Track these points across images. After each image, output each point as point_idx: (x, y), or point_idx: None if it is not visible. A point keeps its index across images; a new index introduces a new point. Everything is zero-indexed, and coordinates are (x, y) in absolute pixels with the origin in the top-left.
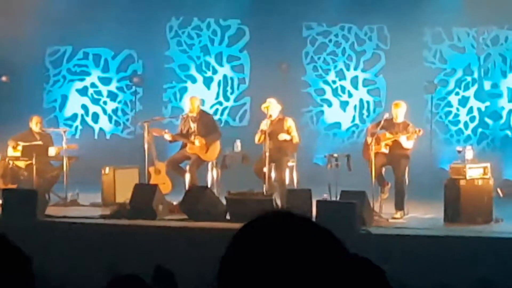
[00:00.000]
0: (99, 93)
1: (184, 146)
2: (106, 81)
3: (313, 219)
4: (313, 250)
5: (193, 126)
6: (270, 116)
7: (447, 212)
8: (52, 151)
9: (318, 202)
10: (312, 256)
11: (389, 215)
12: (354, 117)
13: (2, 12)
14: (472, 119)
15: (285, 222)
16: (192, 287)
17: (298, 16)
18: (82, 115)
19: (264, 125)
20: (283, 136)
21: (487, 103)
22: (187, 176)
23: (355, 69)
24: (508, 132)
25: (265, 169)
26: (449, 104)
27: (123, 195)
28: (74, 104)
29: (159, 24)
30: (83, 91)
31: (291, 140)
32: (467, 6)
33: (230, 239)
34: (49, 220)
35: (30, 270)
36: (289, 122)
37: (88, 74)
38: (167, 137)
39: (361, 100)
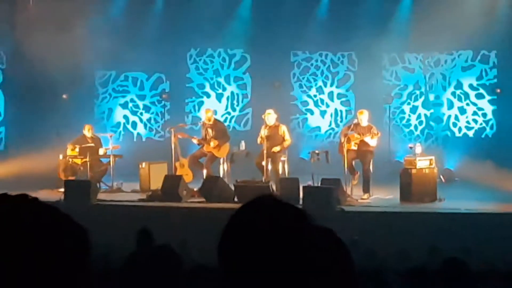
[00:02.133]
0: (136, 106)
1: (202, 146)
2: (141, 97)
3: (301, 201)
4: (287, 220)
5: (210, 131)
6: (269, 124)
7: (402, 193)
8: (101, 151)
9: (304, 187)
10: (286, 225)
11: (358, 197)
12: (330, 122)
13: (64, 46)
14: (420, 123)
15: (268, 204)
16: (207, 253)
17: (287, 46)
18: (124, 123)
19: (263, 130)
20: (276, 149)
21: (432, 111)
22: (204, 169)
23: (331, 86)
24: (448, 132)
25: (264, 163)
26: (402, 112)
27: (156, 184)
28: (118, 115)
29: (181, 53)
30: (124, 105)
31: (283, 144)
32: (415, 37)
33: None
34: (100, 203)
35: (87, 241)
36: (283, 128)
37: (128, 92)
38: (195, 141)
39: (335, 110)
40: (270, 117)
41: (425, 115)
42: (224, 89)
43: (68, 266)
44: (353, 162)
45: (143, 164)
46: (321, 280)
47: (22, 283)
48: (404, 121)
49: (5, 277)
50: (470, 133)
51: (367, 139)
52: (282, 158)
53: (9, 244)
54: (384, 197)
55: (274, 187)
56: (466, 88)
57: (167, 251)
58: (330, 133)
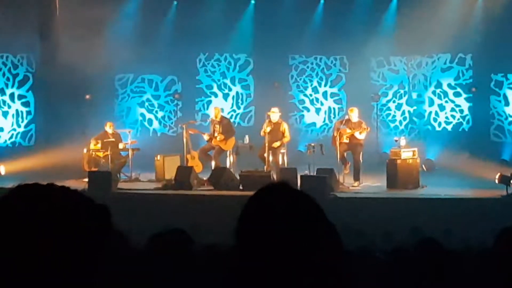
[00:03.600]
0: (152, 105)
1: (210, 140)
2: (156, 97)
3: (298, 188)
4: (298, 205)
5: (217, 127)
6: (273, 120)
7: (389, 181)
8: (121, 145)
9: (301, 176)
10: (298, 208)
11: (350, 184)
12: (324, 119)
13: (87, 51)
14: (404, 118)
15: (281, 189)
16: (216, 235)
17: (286, 51)
18: (141, 121)
19: (266, 125)
20: (277, 144)
21: (415, 107)
22: (213, 161)
23: (325, 86)
24: (429, 127)
25: (266, 155)
26: (388, 109)
27: (170, 174)
28: (135, 113)
29: (192, 58)
30: (141, 104)
31: (283, 140)
32: (400, 42)
33: (244, 203)
34: (120, 192)
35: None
36: (285, 125)
37: (145, 92)
38: (205, 137)
39: (329, 107)
40: (275, 114)
41: (409, 111)
42: (230, 89)
43: (93, 238)
44: (345, 154)
45: (158, 156)
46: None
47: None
48: (390, 117)
49: (37, 251)
50: (449, 127)
51: (356, 134)
52: (282, 151)
53: (41, 222)
54: (372, 184)
55: (274, 176)
56: (445, 87)
57: (180, 233)
58: (324, 128)
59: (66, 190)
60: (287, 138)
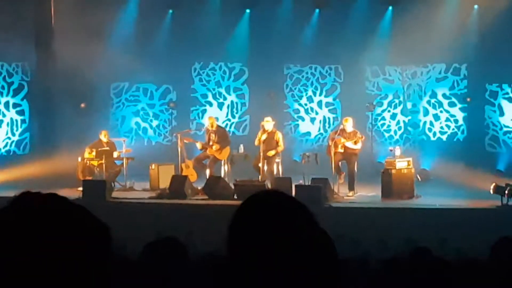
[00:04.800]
0: (147, 114)
1: (205, 149)
2: (151, 106)
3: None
4: (290, 212)
5: (212, 136)
6: (267, 130)
7: (383, 191)
8: (115, 154)
9: (296, 186)
10: (290, 215)
11: (344, 194)
12: (319, 128)
13: (82, 60)
14: (399, 128)
15: (273, 197)
16: (210, 245)
17: (281, 60)
18: (135, 129)
19: (261, 134)
20: (271, 153)
21: (409, 117)
22: (207, 170)
23: (320, 95)
24: (424, 136)
25: (260, 164)
26: (383, 118)
27: (164, 183)
28: (130, 122)
29: (187, 66)
30: (136, 113)
31: (277, 149)
32: (395, 51)
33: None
34: (114, 200)
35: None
36: (279, 135)
37: (140, 101)
38: (198, 146)
39: (324, 117)
40: (269, 123)
41: (404, 121)
42: (225, 98)
43: (92, 258)
44: (340, 163)
45: (153, 165)
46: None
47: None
48: (385, 127)
49: (34, 266)
50: (444, 137)
51: (350, 144)
52: (277, 160)
53: (41, 235)
54: (367, 194)
55: (269, 186)
56: (440, 97)
57: (174, 242)
58: (319, 138)
59: (69, 204)
60: (281, 147)
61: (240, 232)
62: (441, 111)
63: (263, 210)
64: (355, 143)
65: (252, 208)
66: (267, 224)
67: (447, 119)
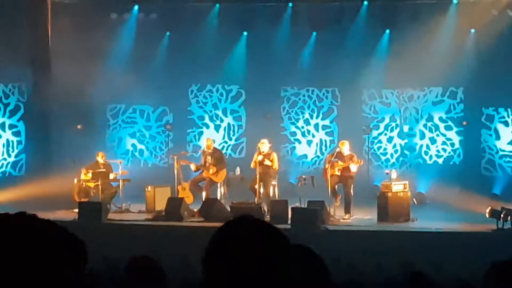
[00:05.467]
0: (143, 136)
1: (201, 171)
2: (148, 128)
3: (289, 220)
4: (262, 237)
5: (209, 158)
6: (263, 152)
7: (379, 214)
8: (111, 176)
9: (292, 208)
10: (261, 240)
11: (340, 217)
12: (316, 150)
13: (79, 82)
14: (396, 151)
15: (246, 223)
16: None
17: (278, 82)
18: (132, 151)
19: (257, 157)
20: (266, 162)
21: (406, 140)
22: (204, 192)
23: (317, 118)
24: (420, 160)
25: (257, 186)
26: (380, 141)
27: (160, 205)
28: (127, 143)
29: (183, 88)
30: (132, 135)
31: (272, 167)
32: (391, 75)
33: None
34: (110, 222)
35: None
36: (274, 155)
37: (136, 123)
38: (192, 167)
39: (320, 140)
40: (264, 145)
41: (400, 144)
42: (222, 120)
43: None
44: (336, 186)
45: (149, 187)
46: None
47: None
48: (381, 150)
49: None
50: (440, 161)
51: (351, 165)
52: (273, 182)
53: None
54: (363, 217)
55: (265, 208)
56: (436, 120)
57: (149, 262)
58: (316, 160)
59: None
60: (274, 165)
61: (215, 260)
62: (437, 135)
63: (236, 236)
64: (355, 164)
65: (225, 234)
66: (240, 250)
67: (444, 143)
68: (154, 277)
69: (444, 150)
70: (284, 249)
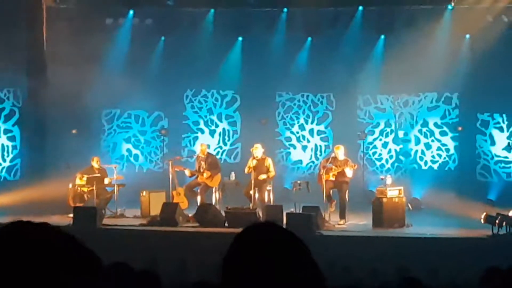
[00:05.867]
0: (138, 141)
1: (196, 176)
2: (143, 133)
3: (284, 226)
4: (283, 244)
5: (203, 163)
6: (256, 156)
7: (374, 220)
8: (106, 181)
9: (287, 214)
10: (283, 247)
11: (335, 222)
12: (311, 156)
13: (74, 87)
14: (391, 157)
15: (267, 229)
16: (202, 272)
17: (273, 87)
18: (127, 156)
19: (251, 162)
20: (262, 177)
21: (401, 146)
22: (199, 197)
23: (312, 123)
24: (415, 165)
25: (251, 192)
26: (375, 147)
27: (155, 210)
28: (122, 148)
29: (179, 94)
30: (128, 140)
31: (268, 175)
32: (387, 80)
33: (229, 241)
34: (105, 227)
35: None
36: (269, 161)
37: (131, 128)
38: (187, 173)
39: (315, 145)
40: (258, 150)
41: (395, 150)
42: (217, 125)
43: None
44: (331, 192)
45: (144, 192)
46: None
47: None
48: (376, 155)
49: None
50: (435, 166)
51: (346, 169)
52: (268, 188)
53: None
54: (358, 222)
55: (260, 214)
56: (431, 126)
57: (124, 268)
58: (311, 166)
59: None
60: (272, 173)
61: (235, 263)
62: (432, 140)
63: (257, 242)
64: (350, 169)
65: (247, 240)
66: (262, 257)
67: (439, 148)
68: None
69: (439, 155)
70: (304, 258)
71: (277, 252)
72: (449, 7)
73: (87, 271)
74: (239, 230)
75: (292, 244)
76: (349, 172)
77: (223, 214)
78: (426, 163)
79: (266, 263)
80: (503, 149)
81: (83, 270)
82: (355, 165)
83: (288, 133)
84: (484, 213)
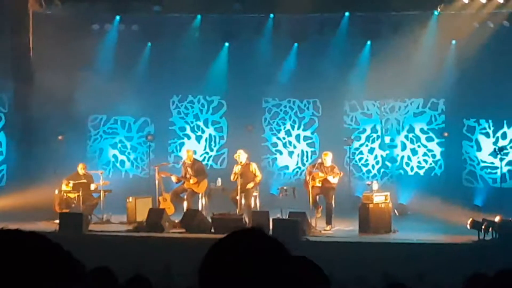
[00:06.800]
0: (124, 146)
1: (182, 182)
2: (129, 139)
3: (270, 232)
4: (267, 251)
5: (189, 169)
6: (241, 162)
7: (361, 225)
8: (92, 187)
9: (273, 220)
10: (266, 255)
11: (322, 228)
12: (297, 162)
13: (60, 92)
14: (377, 162)
15: (249, 235)
16: (188, 279)
17: (259, 93)
18: (113, 162)
19: (236, 168)
20: (250, 185)
21: (387, 152)
22: (185, 203)
23: (298, 129)
24: (401, 171)
25: (238, 198)
26: (361, 153)
27: (142, 216)
28: (108, 154)
29: (165, 99)
30: (114, 146)
31: (255, 180)
32: (373, 86)
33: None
34: (91, 233)
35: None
36: (254, 166)
37: (117, 134)
38: (173, 179)
39: (302, 151)
40: (241, 156)
41: (381, 155)
42: (203, 131)
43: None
44: (317, 197)
45: (130, 198)
46: None
47: None
48: (362, 161)
49: None
50: (421, 172)
51: (330, 178)
52: (254, 193)
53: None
54: (344, 228)
55: (246, 219)
56: (417, 132)
57: (105, 273)
58: (297, 171)
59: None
60: (259, 177)
61: (213, 268)
62: (418, 146)
63: (240, 248)
64: (334, 177)
65: (230, 245)
66: (243, 262)
67: (425, 154)
68: None
69: (426, 161)
70: (287, 266)
71: (256, 258)
72: (435, 13)
73: (69, 277)
74: (224, 236)
75: (273, 251)
76: (332, 180)
77: (210, 220)
78: (412, 168)
79: (243, 270)
80: (489, 154)
81: (65, 277)
82: (340, 173)
83: (274, 139)
84: (470, 219)
